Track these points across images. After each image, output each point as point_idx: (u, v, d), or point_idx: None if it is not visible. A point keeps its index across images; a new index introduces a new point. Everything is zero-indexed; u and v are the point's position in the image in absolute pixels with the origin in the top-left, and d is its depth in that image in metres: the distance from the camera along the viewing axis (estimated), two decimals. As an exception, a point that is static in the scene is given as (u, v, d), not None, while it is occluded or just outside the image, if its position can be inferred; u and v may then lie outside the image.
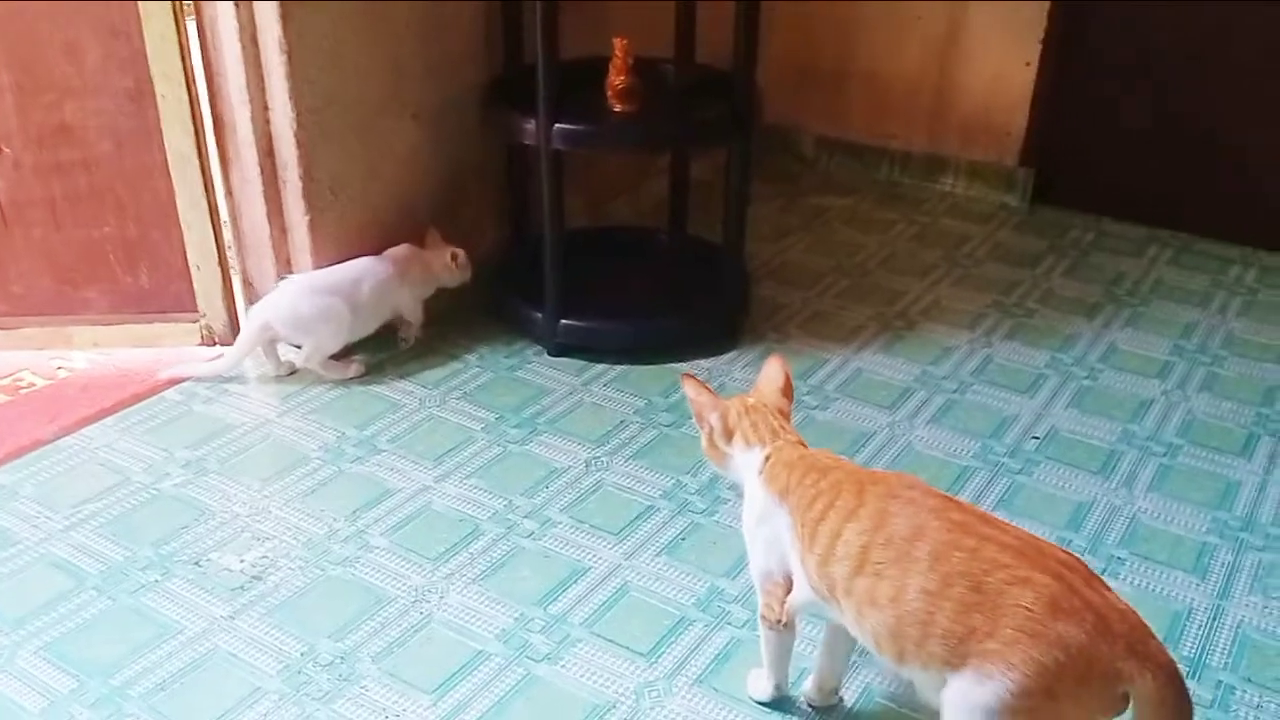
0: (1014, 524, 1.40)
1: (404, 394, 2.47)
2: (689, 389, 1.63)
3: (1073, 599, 1.27)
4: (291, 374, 2.51)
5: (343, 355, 2.52)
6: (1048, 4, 3.28)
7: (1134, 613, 1.29)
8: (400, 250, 2.59)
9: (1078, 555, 1.35)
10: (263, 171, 2.44)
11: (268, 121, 2.41)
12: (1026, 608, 1.27)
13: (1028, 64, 3.36)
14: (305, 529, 2.05)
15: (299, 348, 2.50)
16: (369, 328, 2.54)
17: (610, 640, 1.82)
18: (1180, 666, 1.27)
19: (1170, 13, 3.16)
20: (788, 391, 1.64)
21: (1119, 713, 1.28)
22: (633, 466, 2.25)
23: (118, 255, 2.54)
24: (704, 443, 1.64)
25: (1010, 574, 1.30)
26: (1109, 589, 1.31)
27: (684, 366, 2.55)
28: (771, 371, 1.67)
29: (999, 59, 3.41)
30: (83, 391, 2.44)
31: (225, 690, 1.70)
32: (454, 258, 2.62)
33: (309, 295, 2.43)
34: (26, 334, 2.56)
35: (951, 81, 3.53)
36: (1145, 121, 3.31)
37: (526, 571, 1.96)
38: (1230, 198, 3.26)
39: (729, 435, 1.60)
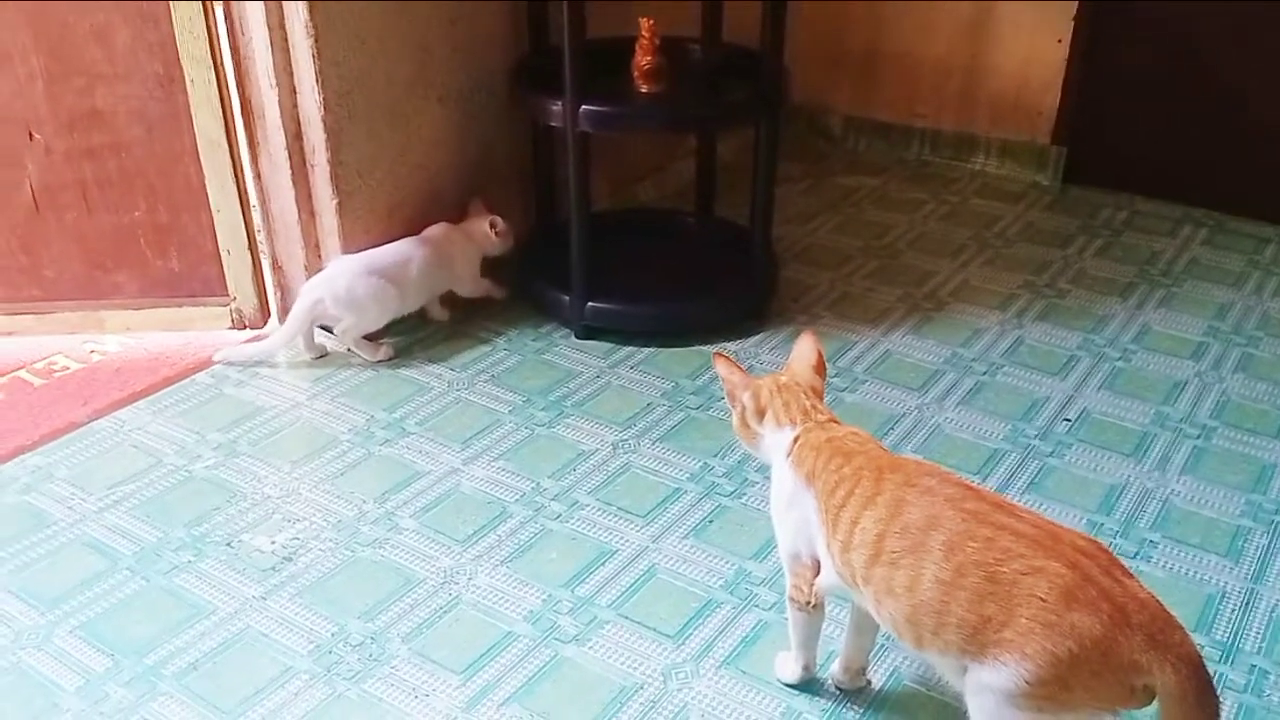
0: (1033, 511, 1.38)
1: (432, 377, 2.48)
2: (721, 368, 1.63)
3: (1088, 589, 1.25)
4: (322, 357, 2.53)
5: (374, 338, 2.54)
6: (1081, -21, 3.23)
7: (1156, 602, 1.27)
8: (436, 230, 2.61)
9: (1099, 542, 1.33)
10: (291, 155, 2.45)
11: (295, 105, 2.41)
12: (1040, 598, 1.26)
13: (1059, 41, 3.32)
14: (335, 510, 2.07)
15: (328, 330, 2.52)
16: (412, 307, 2.58)
17: (638, 622, 1.82)
18: (1204, 659, 1.25)
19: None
20: (820, 369, 1.63)
21: (1143, 704, 1.26)
22: (660, 449, 2.25)
23: (148, 239, 2.56)
24: (735, 422, 1.63)
25: (1025, 563, 1.28)
26: (1131, 577, 1.29)
27: (711, 349, 2.54)
28: (804, 349, 1.65)
29: (1030, 36, 3.36)
30: (115, 375, 2.46)
31: (257, 670, 1.72)
32: (492, 225, 2.64)
33: (363, 275, 2.46)
34: (59, 318, 2.59)
35: (982, 60, 3.48)
36: (1179, 99, 3.26)
37: (554, 553, 1.97)
38: (1266, 176, 3.21)
39: (760, 414, 1.58)
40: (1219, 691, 1.66)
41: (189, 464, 2.19)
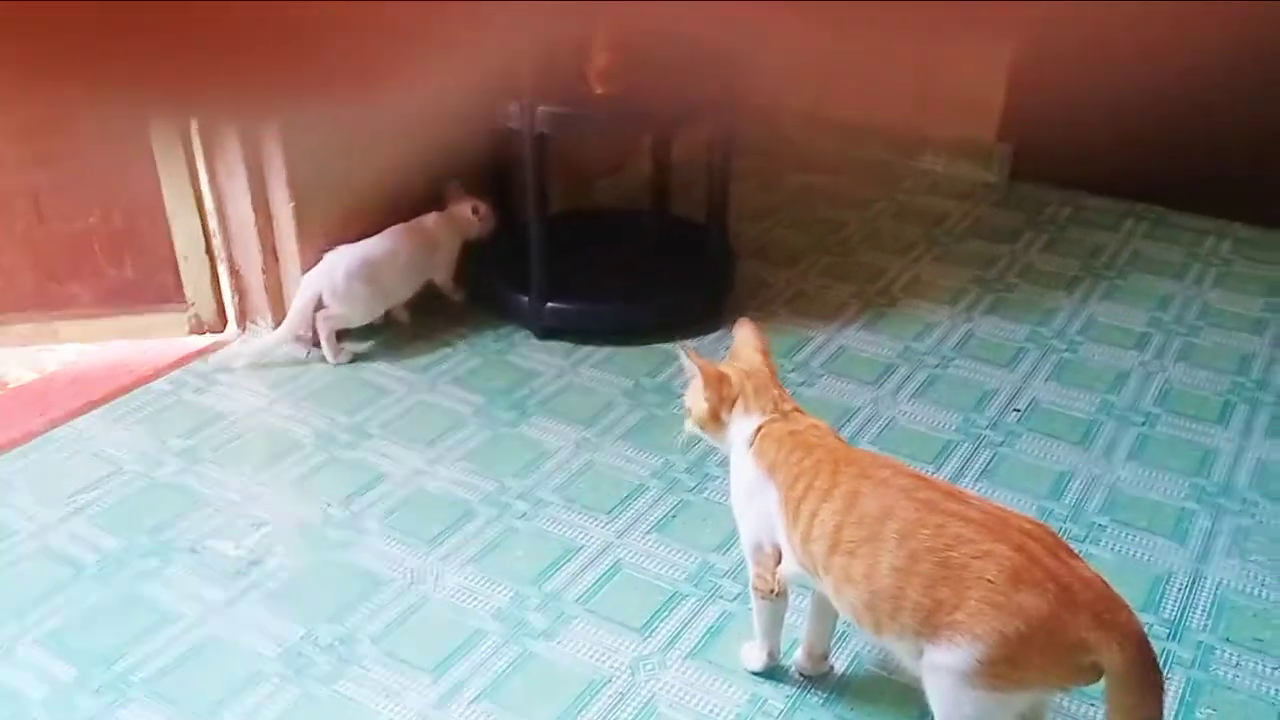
0: (982, 498, 1.43)
1: (393, 380, 2.49)
2: (692, 361, 1.59)
3: (1034, 570, 1.30)
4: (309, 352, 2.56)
5: (340, 337, 2.55)
6: (1023, -19, 3.30)
7: (1100, 581, 1.31)
8: (429, 219, 2.65)
9: (1045, 525, 1.38)
10: (246, 160, 2.45)
11: (251, 110, 2.41)
12: (989, 580, 1.30)
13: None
14: (300, 514, 2.07)
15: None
16: (404, 297, 2.62)
17: (605, 616, 1.85)
18: (1148, 635, 1.29)
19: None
20: (765, 352, 1.64)
21: (1091, 681, 1.31)
22: (622, 446, 2.28)
23: (103, 247, 2.54)
24: (703, 414, 1.61)
25: (974, 548, 1.33)
26: (1076, 557, 1.34)
27: (670, 347, 2.58)
28: (747, 335, 1.67)
29: (975, 36, 3.43)
30: (71, 384, 2.45)
31: (227, 674, 1.73)
32: (475, 210, 2.67)
33: (360, 267, 2.49)
34: (11, 330, 2.56)
35: (929, 59, 3.55)
36: (1121, 98, 3.35)
37: (520, 551, 1.99)
38: (1205, 171, 3.30)
39: (731, 403, 1.59)
40: (1167, 668, 1.73)
41: (150, 471, 2.18)
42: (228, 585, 1.90)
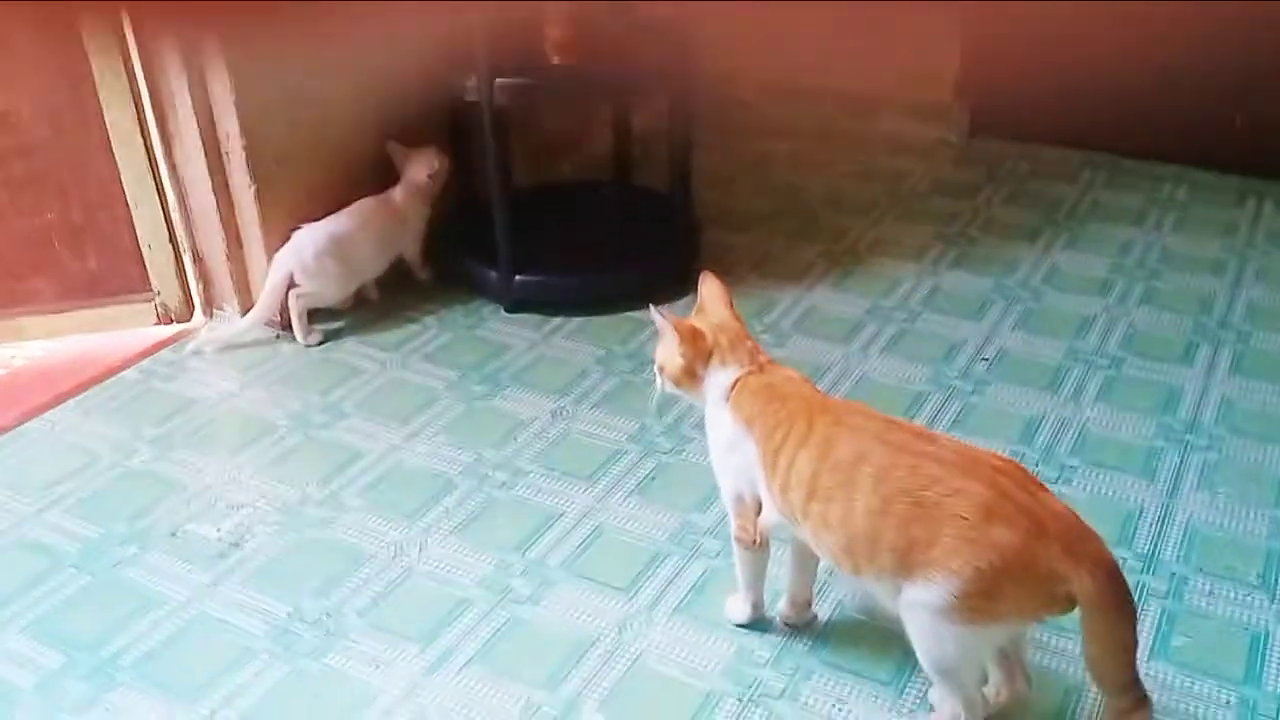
0: (953, 438, 1.46)
1: (365, 359, 2.49)
2: (665, 319, 1.60)
3: (1006, 505, 1.32)
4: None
5: (311, 319, 2.55)
6: (972, -62, 3.33)
7: (1071, 514, 1.34)
8: (395, 192, 2.64)
9: (1015, 461, 1.41)
10: (205, 145, 2.43)
11: (207, 94, 2.39)
12: (962, 516, 1.33)
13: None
14: (279, 495, 2.07)
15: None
16: (375, 271, 2.63)
17: (589, 579, 1.86)
18: (1119, 565, 1.32)
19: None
20: (731, 304, 1.65)
21: (1066, 611, 1.34)
22: (598, 414, 2.29)
23: (63, 241, 2.51)
24: (677, 370, 1.61)
25: (946, 486, 1.35)
26: (1046, 491, 1.37)
27: (640, 315, 2.59)
28: (713, 290, 1.67)
29: (928, -5, 3.45)
30: (41, 377, 2.42)
31: (215, 653, 1.73)
32: (430, 173, 2.64)
33: (329, 244, 2.49)
34: (-24, 328, 2.54)
35: (885, 21, 3.56)
36: (1073, 50, 3.38)
37: (502, 520, 2.00)
38: (1159, 118, 3.35)
39: (706, 357, 1.60)
40: (1142, 600, 1.77)
41: (125, 459, 2.17)
42: (210, 567, 1.90)
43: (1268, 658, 1.68)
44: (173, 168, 2.49)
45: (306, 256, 2.47)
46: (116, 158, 2.43)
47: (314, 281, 2.49)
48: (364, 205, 2.59)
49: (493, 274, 2.64)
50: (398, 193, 2.65)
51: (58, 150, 2.42)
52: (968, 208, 3.16)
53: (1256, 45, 3.14)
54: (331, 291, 2.54)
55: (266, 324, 2.52)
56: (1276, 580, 1.82)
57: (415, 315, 2.65)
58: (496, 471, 2.12)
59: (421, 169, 2.64)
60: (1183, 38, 3.20)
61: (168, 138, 2.46)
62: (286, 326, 2.53)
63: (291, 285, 2.49)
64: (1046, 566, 1.30)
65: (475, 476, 2.11)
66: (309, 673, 1.69)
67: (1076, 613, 1.33)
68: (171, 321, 2.60)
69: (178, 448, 2.20)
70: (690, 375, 1.62)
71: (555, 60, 2.55)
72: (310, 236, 2.49)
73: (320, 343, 2.53)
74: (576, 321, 2.62)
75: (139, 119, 2.42)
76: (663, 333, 1.64)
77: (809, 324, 2.61)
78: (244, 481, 2.11)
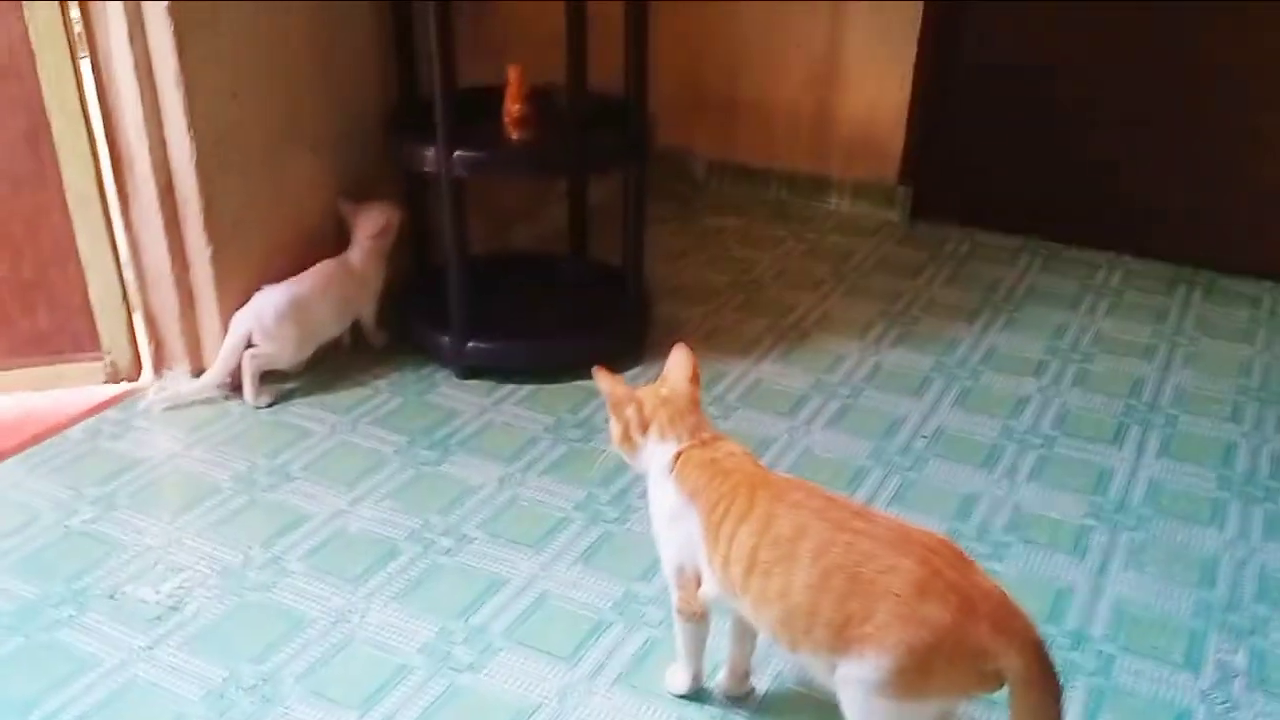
0: (889, 515, 1.50)
1: (314, 421, 2.49)
2: (603, 381, 1.68)
3: (938, 582, 1.36)
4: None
5: (264, 379, 2.56)
6: (918, 28, 3.47)
7: (1000, 592, 1.38)
8: (353, 254, 2.67)
9: (947, 540, 1.45)
10: (163, 206, 2.45)
11: (166, 156, 2.42)
12: (896, 593, 1.36)
13: (901, 87, 3.54)
14: (220, 558, 2.06)
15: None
16: (333, 334, 2.65)
17: (531, 646, 1.87)
18: (1046, 642, 1.35)
19: (1035, 35, 3.38)
20: (696, 379, 1.70)
21: (995, 688, 1.37)
22: (545, 481, 2.31)
23: (13, 297, 2.51)
24: (617, 435, 1.68)
25: (881, 563, 1.39)
26: (977, 570, 1.41)
27: (590, 384, 2.62)
28: (680, 360, 1.72)
29: (876, 82, 3.59)
30: (-18, 433, 2.40)
31: (148, 718, 1.71)
32: (379, 232, 2.67)
33: (289, 306, 2.51)
34: (-80, 381, 2.51)
35: (832, 105, 3.69)
36: (1013, 139, 3.52)
37: (446, 586, 2.01)
38: (1095, 207, 3.49)
39: (644, 426, 1.65)
40: (1071, 678, 1.82)
41: (66, 519, 2.15)
42: (148, 630, 1.88)
43: (1190, 735, 1.73)
44: (128, 227, 2.50)
45: (266, 318, 2.49)
46: (72, 215, 2.44)
47: (272, 343, 2.50)
48: (324, 267, 2.62)
49: (446, 340, 2.67)
50: (354, 253, 2.68)
51: (12, 207, 2.43)
52: (910, 287, 3.25)
53: (1187, 135, 3.29)
54: (288, 354, 2.55)
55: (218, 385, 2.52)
56: (1200, 660, 1.87)
57: (367, 379, 2.66)
58: (442, 538, 2.13)
59: (370, 224, 2.67)
60: (1117, 129, 3.35)
61: (125, 197, 2.47)
62: (236, 387, 2.53)
63: (248, 346, 2.50)
64: (976, 644, 1.34)
65: (420, 542, 2.12)
66: (245, 739, 1.68)
67: (1006, 689, 1.37)
68: (120, 381, 2.59)
69: (120, 508, 2.19)
70: (626, 440, 1.67)
71: (514, 135, 2.61)
72: (271, 298, 2.51)
73: (270, 405, 2.53)
74: (527, 389, 2.65)
75: (97, 178, 2.43)
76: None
77: (755, 397, 2.66)
78: (186, 543, 2.10)
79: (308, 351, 2.60)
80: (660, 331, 2.91)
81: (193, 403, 2.52)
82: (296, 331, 2.53)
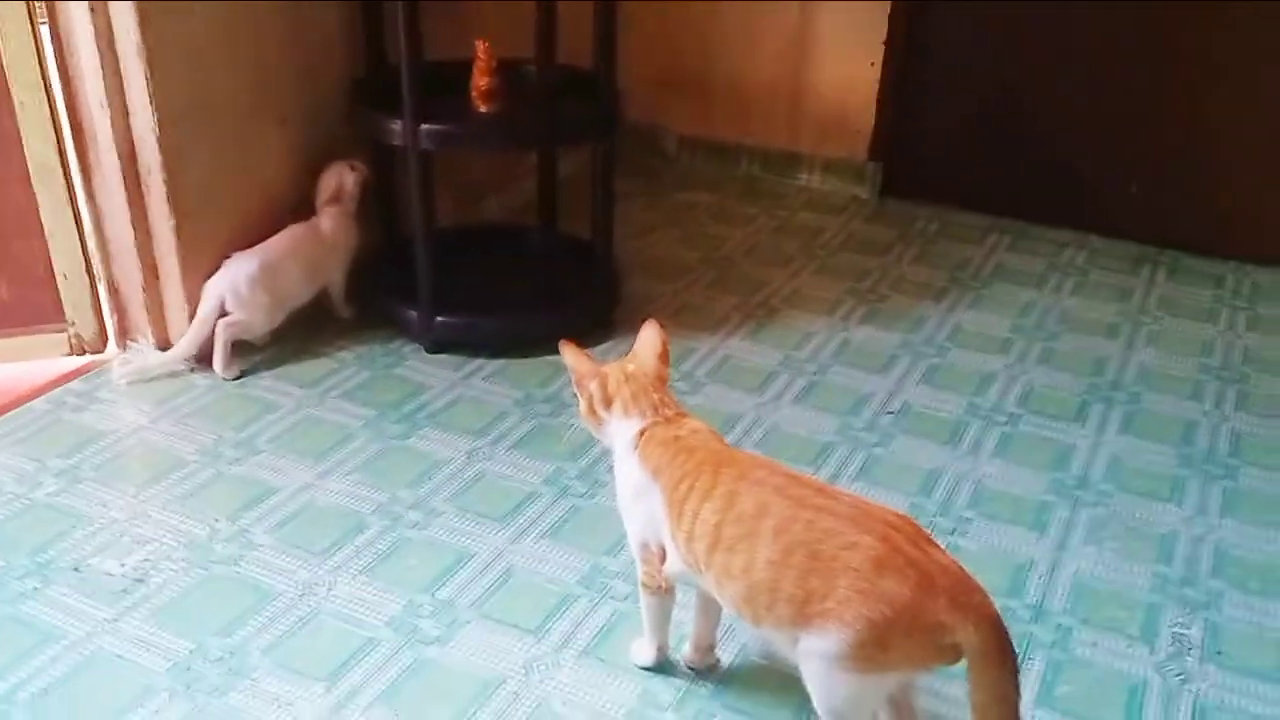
0: (851, 493, 1.52)
1: (281, 395, 2.48)
2: (568, 356, 1.70)
3: (897, 558, 1.38)
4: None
5: (235, 350, 2.56)
6: (888, 6, 3.47)
7: (957, 567, 1.41)
8: (323, 217, 2.67)
9: (908, 516, 1.46)
10: (125, 178, 2.42)
11: (129, 127, 2.39)
12: (855, 569, 1.38)
13: (872, 64, 3.55)
14: (186, 531, 2.06)
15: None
16: (304, 299, 2.64)
17: (498, 620, 1.88)
18: (1002, 617, 1.37)
19: (1003, 15, 3.39)
20: (664, 356, 1.71)
21: (952, 662, 1.39)
22: (514, 456, 2.32)
23: (-26, 268, 2.48)
24: (583, 408, 1.70)
25: (842, 539, 1.41)
26: (935, 546, 1.43)
27: (559, 359, 2.62)
28: (649, 337, 1.73)
29: (847, 60, 3.59)
30: (-57, 406, 2.38)
31: (114, 691, 1.71)
32: (338, 194, 2.67)
33: (261, 272, 2.50)
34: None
35: (804, 82, 3.69)
36: (981, 118, 3.54)
37: (413, 560, 2.01)
38: (1062, 186, 3.51)
39: (608, 402, 1.66)
40: (1029, 650, 1.85)
41: (30, 491, 2.14)
42: (113, 603, 1.88)
43: (1145, 707, 1.76)
44: (91, 198, 2.48)
45: (240, 285, 2.48)
46: (34, 186, 2.41)
47: (245, 310, 2.50)
48: (292, 231, 2.62)
49: (414, 314, 2.66)
50: (322, 219, 2.67)
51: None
52: (879, 265, 3.27)
53: (1153, 119, 3.32)
54: (260, 321, 2.54)
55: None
56: (1155, 632, 1.91)
57: (334, 353, 2.65)
58: (410, 511, 2.14)
59: (324, 190, 2.67)
60: (1086, 108, 3.38)
61: (87, 169, 2.44)
62: (201, 360, 2.52)
63: (221, 314, 2.49)
64: (934, 618, 1.36)
65: (388, 516, 2.12)
66: (209, 711, 1.68)
67: (964, 662, 1.39)
68: (85, 353, 2.57)
69: (85, 480, 2.17)
70: (591, 414, 1.69)
71: (482, 108, 2.60)
72: (242, 265, 2.50)
73: (239, 376, 2.52)
74: (496, 364, 2.65)
75: (59, 149, 2.40)
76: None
77: (723, 373, 2.67)
78: (152, 516, 2.09)
79: (280, 318, 2.59)
80: (630, 307, 2.92)
81: (159, 376, 2.50)
82: (268, 298, 2.52)
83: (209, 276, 2.52)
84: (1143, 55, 3.27)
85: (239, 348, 2.56)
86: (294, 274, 2.58)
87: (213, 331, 2.48)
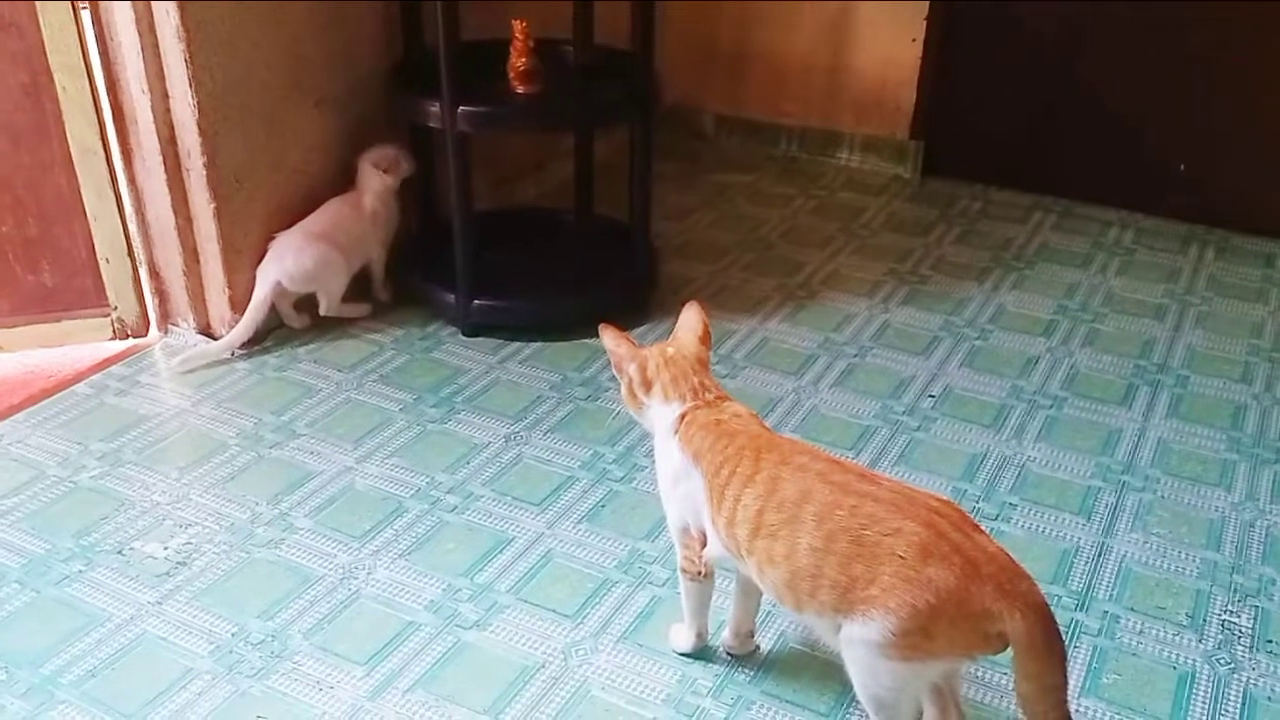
0: (893, 479, 1.49)
1: (320, 379, 2.49)
2: (608, 339, 1.69)
3: (942, 544, 1.36)
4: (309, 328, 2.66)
5: (347, 298, 2.66)
6: (931, -17, 3.41)
7: (1004, 554, 1.38)
8: (363, 194, 2.68)
9: (952, 501, 1.44)
10: (165, 161, 2.43)
11: (169, 110, 2.40)
12: (900, 555, 1.36)
13: (914, 40, 3.49)
14: (228, 514, 2.07)
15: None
16: (358, 265, 2.68)
17: (537, 605, 1.88)
18: (1050, 605, 1.35)
19: (1045, -11, 3.32)
20: (706, 339, 1.69)
21: (999, 650, 1.37)
22: (551, 439, 2.31)
23: (17, 254, 2.50)
24: (623, 391, 1.69)
25: (886, 525, 1.39)
26: (981, 532, 1.41)
27: (596, 342, 2.60)
28: (690, 319, 1.71)
29: (887, 37, 3.53)
30: (-11, 390, 2.41)
31: (157, 673, 1.73)
32: (376, 164, 2.67)
33: (307, 247, 2.54)
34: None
35: (843, 59, 3.64)
36: (1026, 93, 3.47)
37: (452, 544, 2.02)
38: (1108, 164, 3.44)
39: (647, 386, 1.65)
40: (1075, 638, 1.82)
41: (73, 475, 2.16)
42: (156, 586, 1.90)
43: (1193, 697, 1.73)
44: (132, 182, 2.49)
45: (288, 265, 2.52)
46: (77, 171, 2.43)
47: (307, 286, 2.57)
48: (332, 204, 2.64)
49: (451, 297, 2.66)
50: (364, 195, 2.68)
51: (15, 163, 2.41)
52: (920, 245, 3.23)
53: (1203, 95, 3.24)
54: (332, 287, 2.61)
55: (214, 338, 2.55)
56: (1204, 620, 1.87)
57: (372, 336, 2.66)
58: (448, 495, 2.14)
59: (379, 156, 2.67)
60: (1135, 86, 3.30)
61: (128, 152, 2.46)
62: (247, 344, 2.54)
63: (289, 297, 2.58)
64: (980, 606, 1.34)
65: (426, 500, 2.12)
66: (251, 694, 1.70)
67: (1010, 651, 1.37)
68: (127, 336, 2.59)
69: (127, 464, 2.19)
70: (631, 398, 1.68)
71: (519, 89, 2.58)
72: (289, 243, 2.54)
73: (368, 314, 2.69)
74: (533, 347, 2.64)
75: (100, 133, 2.42)
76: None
77: (762, 356, 2.65)
78: (193, 500, 2.10)
79: (345, 280, 2.63)
80: (667, 289, 2.90)
81: (216, 362, 2.53)
82: (324, 270, 2.57)
83: (250, 259, 2.53)
84: (1193, 31, 3.19)
85: (278, 332, 2.58)
86: (340, 239, 2.60)
87: (266, 316, 2.54)
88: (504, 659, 1.77)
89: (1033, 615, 1.34)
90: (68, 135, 2.40)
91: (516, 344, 2.65)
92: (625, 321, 2.69)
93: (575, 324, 2.68)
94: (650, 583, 1.93)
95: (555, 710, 1.68)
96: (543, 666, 1.76)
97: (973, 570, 1.34)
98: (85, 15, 2.34)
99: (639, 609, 1.88)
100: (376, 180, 2.67)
